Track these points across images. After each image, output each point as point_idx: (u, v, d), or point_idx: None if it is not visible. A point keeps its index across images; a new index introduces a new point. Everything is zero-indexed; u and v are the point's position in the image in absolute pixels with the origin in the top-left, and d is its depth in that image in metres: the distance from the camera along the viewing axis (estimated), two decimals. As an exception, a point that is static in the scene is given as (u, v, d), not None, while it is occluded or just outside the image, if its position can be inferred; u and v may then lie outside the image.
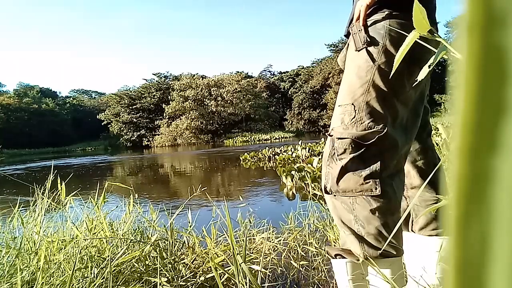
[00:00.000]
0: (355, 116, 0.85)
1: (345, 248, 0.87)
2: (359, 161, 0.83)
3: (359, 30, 0.87)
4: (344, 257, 0.86)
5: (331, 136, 0.88)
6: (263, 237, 1.73)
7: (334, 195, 0.86)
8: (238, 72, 46.62)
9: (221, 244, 1.61)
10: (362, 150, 0.83)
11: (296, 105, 42.73)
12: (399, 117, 0.86)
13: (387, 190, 0.82)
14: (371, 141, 0.82)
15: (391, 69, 0.83)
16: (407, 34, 0.82)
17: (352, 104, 0.86)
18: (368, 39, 0.86)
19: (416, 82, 0.76)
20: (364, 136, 0.83)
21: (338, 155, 0.85)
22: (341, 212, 0.85)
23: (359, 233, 0.83)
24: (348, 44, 0.95)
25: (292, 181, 4.45)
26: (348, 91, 0.88)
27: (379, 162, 0.82)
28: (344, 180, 0.84)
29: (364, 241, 0.82)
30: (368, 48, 0.86)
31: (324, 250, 1.68)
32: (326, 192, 0.88)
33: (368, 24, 0.87)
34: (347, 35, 0.99)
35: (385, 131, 0.82)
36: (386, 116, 0.84)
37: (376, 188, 0.81)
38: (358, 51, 0.88)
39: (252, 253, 1.63)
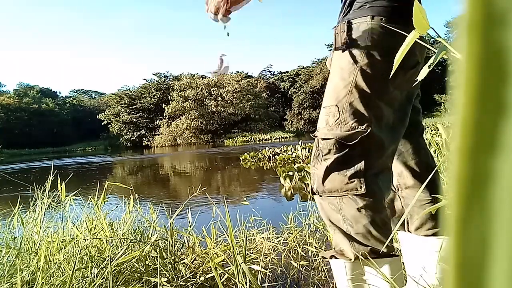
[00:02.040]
0: (339, 117, 0.86)
1: (337, 249, 0.88)
2: (343, 161, 0.84)
3: (342, 31, 0.89)
4: (337, 258, 0.87)
5: (316, 137, 0.90)
6: (263, 237, 1.74)
7: (321, 196, 0.87)
8: (238, 72, 46.60)
9: (221, 244, 1.61)
10: (346, 150, 0.84)
11: (296, 105, 42.72)
12: (384, 117, 0.87)
13: (372, 188, 0.83)
14: (354, 141, 0.83)
15: (374, 71, 0.85)
16: (390, 38, 0.83)
17: (336, 105, 0.87)
18: (349, 41, 0.87)
19: (416, 83, 0.76)
20: (348, 136, 0.84)
21: (322, 156, 0.86)
22: (329, 212, 0.86)
23: (348, 232, 0.84)
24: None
25: (290, 182, 4.45)
26: (332, 92, 0.90)
27: (363, 161, 0.84)
28: (329, 180, 0.85)
29: (353, 240, 0.84)
30: (351, 50, 0.87)
31: (321, 256, 1.68)
32: (313, 193, 0.89)
33: (352, 27, 0.89)
34: None
35: (368, 131, 0.84)
36: (370, 116, 0.85)
37: (361, 187, 0.82)
38: (337, 50, 0.90)
39: (252, 253, 1.63)
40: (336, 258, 0.87)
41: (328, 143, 0.85)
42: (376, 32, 0.85)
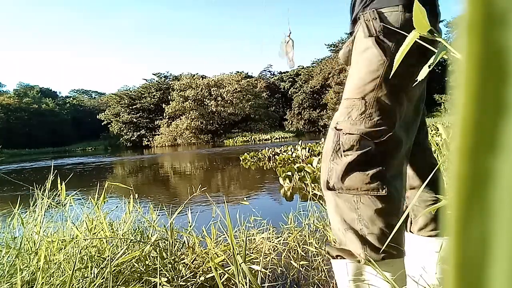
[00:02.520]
0: (364, 111, 0.81)
1: (345, 248, 0.85)
2: (365, 159, 0.80)
3: (373, 18, 0.82)
4: (344, 258, 0.84)
5: (338, 130, 0.84)
6: (263, 237, 1.73)
7: (338, 192, 0.82)
8: (238, 72, 46.59)
9: (221, 244, 1.61)
10: (370, 148, 0.80)
11: (296, 105, 42.72)
12: (404, 115, 0.84)
13: (391, 190, 0.80)
14: (379, 139, 0.80)
15: (403, 66, 0.77)
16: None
17: (362, 98, 0.82)
18: (383, 30, 0.81)
19: (416, 82, 0.76)
20: (372, 133, 0.80)
21: (343, 151, 0.82)
22: (344, 210, 0.82)
23: (362, 233, 0.80)
24: (354, 38, 0.90)
25: (290, 182, 4.45)
26: (357, 84, 0.84)
27: (385, 161, 0.80)
28: (350, 177, 0.81)
29: (366, 241, 0.80)
30: (383, 41, 0.82)
31: (325, 250, 1.67)
32: (329, 188, 0.84)
33: (382, 16, 0.82)
34: (351, 32, 0.95)
35: (393, 129, 0.80)
36: (395, 114, 0.81)
37: (382, 189, 0.78)
38: (371, 37, 0.83)
39: (252, 253, 1.63)
40: (343, 258, 0.83)
41: (351, 138, 0.81)
42: (408, 23, 0.79)
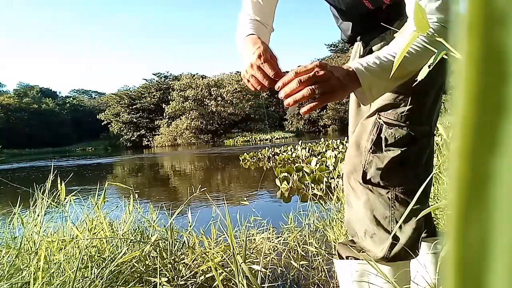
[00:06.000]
0: (413, 107, 0.77)
1: (360, 248, 0.81)
2: (408, 156, 0.78)
3: None
4: (355, 258, 0.81)
5: (383, 123, 0.79)
6: (263, 237, 1.73)
7: (375, 187, 0.79)
8: (238, 72, 46.57)
9: (221, 244, 1.61)
10: (414, 145, 0.78)
11: (297, 105, 42.68)
12: (437, 114, 0.83)
13: (427, 190, 0.78)
14: (423, 137, 0.78)
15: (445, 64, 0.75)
16: None
17: (413, 94, 0.78)
18: None
19: (416, 82, 0.75)
20: (419, 130, 0.78)
21: (385, 145, 0.78)
22: (376, 206, 0.78)
23: (391, 231, 0.77)
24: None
25: (288, 183, 4.44)
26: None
27: (422, 160, 0.79)
28: (391, 173, 0.78)
29: (395, 239, 0.77)
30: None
31: (330, 251, 1.67)
32: (365, 182, 0.80)
33: None
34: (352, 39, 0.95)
35: (434, 128, 0.79)
36: (435, 112, 0.81)
37: (418, 188, 0.78)
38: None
39: (252, 253, 1.63)
40: (354, 258, 0.80)
41: (397, 133, 0.78)
42: None
